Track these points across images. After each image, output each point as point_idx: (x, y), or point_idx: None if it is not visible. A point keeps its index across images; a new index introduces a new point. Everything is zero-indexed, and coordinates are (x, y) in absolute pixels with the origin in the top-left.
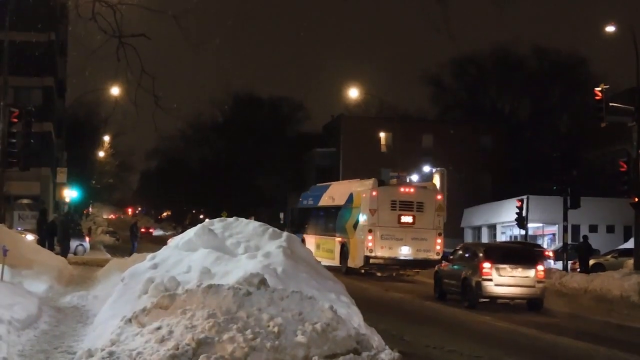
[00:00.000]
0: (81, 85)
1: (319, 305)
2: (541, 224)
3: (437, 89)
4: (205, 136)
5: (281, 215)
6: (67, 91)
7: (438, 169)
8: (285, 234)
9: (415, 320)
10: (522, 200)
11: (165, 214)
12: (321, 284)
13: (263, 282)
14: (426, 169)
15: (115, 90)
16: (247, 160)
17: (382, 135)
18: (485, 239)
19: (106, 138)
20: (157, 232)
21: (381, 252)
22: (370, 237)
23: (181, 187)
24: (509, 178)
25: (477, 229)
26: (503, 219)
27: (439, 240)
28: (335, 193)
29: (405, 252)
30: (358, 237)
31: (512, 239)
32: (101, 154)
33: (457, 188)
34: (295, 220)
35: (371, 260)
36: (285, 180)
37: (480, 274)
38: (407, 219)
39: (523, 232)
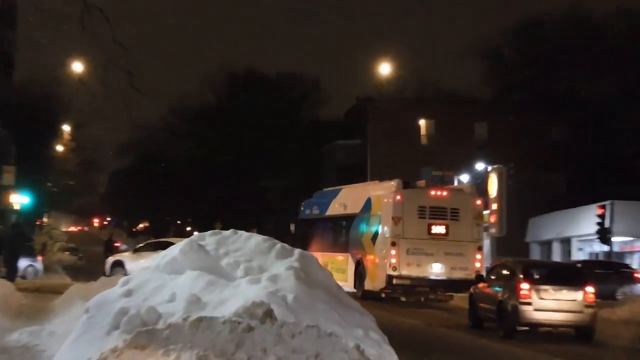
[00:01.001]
0: (34, 61)
1: (342, 344)
2: (630, 238)
3: (494, 64)
4: (193, 126)
5: (292, 227)
6: (15, 68)
7: (495, 167)
8: (297, 251)
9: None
10: (604, 208)
11: (141, 225)
12: (345, 316)
13: (269, 313)
14: (479, 167)
15: (78, 67)
16: (247, 157)
17: (421, 123)
18: (556, 256)
19: (66, 128)
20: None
21: (407, 270)
22: (393, 252)
23: (162, 192)
24: (588, 179)
25: (547, 245)
26: (580, 231)
27: (478, 256)
28: (347, 199)
29: (437, 270)
30: (378, 253)
31: (592, 257)
32: (60, 148)
33: (520, 192)
34: (297, 234)
35: (395, 281)
36: (296, 182)
37: (517, 297)
38: (439, 229)
39: (606, 248)
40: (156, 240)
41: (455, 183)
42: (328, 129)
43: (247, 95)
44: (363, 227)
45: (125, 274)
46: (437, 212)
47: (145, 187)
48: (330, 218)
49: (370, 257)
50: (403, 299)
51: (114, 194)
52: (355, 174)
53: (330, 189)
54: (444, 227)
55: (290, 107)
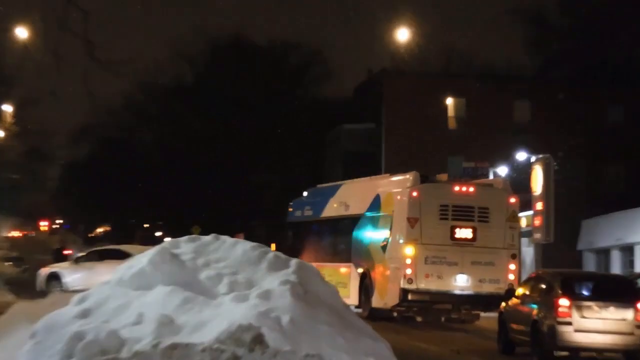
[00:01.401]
0: None
1: None
2: None
3: (538, 31)
4: (166, 107)
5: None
6: None
7: (540, 157)
8: (294, 261)
9: None
10: None
11: (100, 230)
12: (353, 342)
13: (259, 339)
14: (520, 156)
15: (22, 33)
16: (233, 146)
17: (449, 102)
18: (616, 267)
19: (8, 108)
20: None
21: (426, 283)
22: (409, 261)
23: (127, 188)
24: None
25: (604, 253)
26: None
27: (512, 266)
28: (350, 197)
29: (462, 283)
30: (390, 262)
31: None
32: (0, 133)
33: (571, 189)
34: (285, 240)
35: (411, 297)
36: (294, 176)
37: (555, 316)
38: (464, 233)
39: None
40: (102, 248)
41: (491, 176)
42: (333, 110)
43: (232, 69)
44: (370, 231)
45: (62, 289)
46: (463, 212)
47: (107, 182)
48: (327, 221)
49: (379, 267)
50: (419, 318)
51: (68, 190)
52: (367, 166)
53: (326, 185)
54: (470, 230)
55: (286, 83)
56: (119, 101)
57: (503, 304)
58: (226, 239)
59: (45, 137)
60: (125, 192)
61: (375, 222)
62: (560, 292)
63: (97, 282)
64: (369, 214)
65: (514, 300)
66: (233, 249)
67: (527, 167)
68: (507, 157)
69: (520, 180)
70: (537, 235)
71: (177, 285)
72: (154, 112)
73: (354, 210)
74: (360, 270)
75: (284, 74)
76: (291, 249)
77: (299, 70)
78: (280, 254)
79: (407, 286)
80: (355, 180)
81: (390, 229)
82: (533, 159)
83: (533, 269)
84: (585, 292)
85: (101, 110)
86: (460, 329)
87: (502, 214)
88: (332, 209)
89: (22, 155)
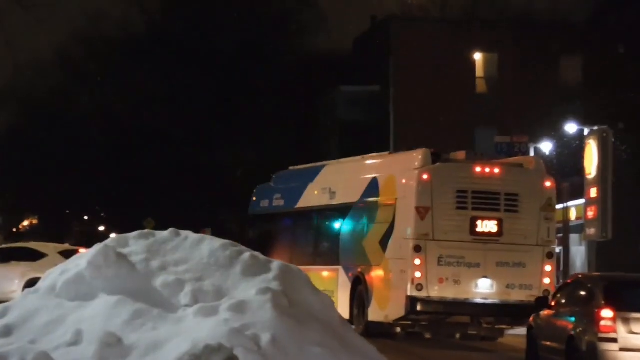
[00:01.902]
0: None
1: None
2: None
3: None
4: (111, 65)
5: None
6: None
7: (595, 129)
8: (276, 264)
9: None
10: None
11: (26, 223)
12: None
13: None
14: (570, 128)
15: None
16: (196, 115)
17: (476, 58)
18: None
19: None
20: None
21: (440, 290)
22: (418, 262)
23: (60, 169)
24: None
25: None
26: None
27: (548, 268)
28: (336, 181)
29: (485, 289)
30: (392, 264)
31: None
32: None
33: (634, 169)
34: (248, 237)
35: (420, 307)
36: (275, 154)
37: (596, 330)
38: (488, 226)
39: None
40: (7, 246)
41: (532, 153)
42: (327, 68)
43: (196, 14)
44: (365, 225)
45: None
46: (486, 200)
47: (34, 160)
48: (305, 212)
49: (378, 270)
50: (428, 335)
51: None
52: (370, 139)
53: (302, 167)
54: (495, 223)
55: (265, 33)
56: (50, 57)
57: (533, 316)
58: (188, 235)
59: None
60: (58, 173)
61: (372, 213)
62: (602, 301)
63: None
64: (363, 202)
65: (547, 312)
66: (197, 248)
67: (579, 142)
68: (551, 130)
69: (569, 160)
70: (591, 231)
71: (125, 294)
72: (94, 70)
73: (342, 198)
74: (353, 274)
75: (262, 21)
76: (254, 250)
77: (282, 17)
78: (258, 254)
79: (415, 294)
80: (342, 160)
81: (393, 222)
82: (586, 132)
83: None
84: (634, 302)
85: (26, 67)
86: (481, 349)
87: (535, 202)
88: (312, 197)
89: None
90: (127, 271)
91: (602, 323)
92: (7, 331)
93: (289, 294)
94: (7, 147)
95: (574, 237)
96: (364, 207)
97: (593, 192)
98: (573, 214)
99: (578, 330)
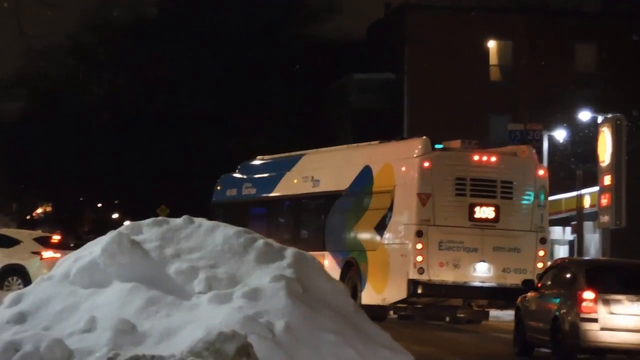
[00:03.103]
0: None
1: None
2: None
3: None
4: (122, 52)
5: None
6: None
7: (609, 116)
8: (290, 251)
9: None
10: None
11: (40, 210)
12: (366, 355)
13: (245, 351)
14: (583, 116)
15: None
16: (207, 102)
17: (490, 46)
18: None
19: None
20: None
21: (440, 273)
22: (419, 246)
23: (73, 156)
24: None
25: None
26: None
27: (541, 253)
28: (318, 170)
29: (482, 273)
30: (390, 249)
31: None
32: None
33: None
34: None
35: (421, 290)
36: (285, 141)
37: (578, 311)
38: (485, 212)
39: None
40: None
41: (545, 142)
42: (340, 55)
43: (208, 2)
44: (357, 211)
45: None
46: (483, 187)
47: (46, 148)
48: (282, 200)
49: (373, 255)
50: (419, 318)
51: None
52: (384, 127)
53: (274, 156)
54: (492, 209)
55: (277, 18)
56: (62, 43)
57: (520, 297)
58: (202, 223)
59: None
60: (71, 161)
61: (364, 200)
62: (584, 283)
63: None
64: (353, 190)
65: (533, 294)
66: (211, 235)
67: (592, 130)
68: (565, 118)
69: (582, 148)
70: (605, 218)
71: (139, 281)
72: (106, 57)
73: (327, 186)
74: (342, 259)
75: (275, 6)
76: None
77: (295, 2)
78: (272, 241)
79: (417, 277)
80: (323, 149)
81: (391, 208)
82: (600, 119)
83: None
84: (614, 284)
85: (36, 55)
86: (470, 330)
87: (529, 189)
88: (291, 185)
89: None
90: (140, 258)
91: (584, 304)
92: (21, 318)
93: (302, 281)
94: (19, 134)
95: (587, 225)
96: (354, 194)
97: (607, 180)
98: (587, 202)
99: (562, 311)
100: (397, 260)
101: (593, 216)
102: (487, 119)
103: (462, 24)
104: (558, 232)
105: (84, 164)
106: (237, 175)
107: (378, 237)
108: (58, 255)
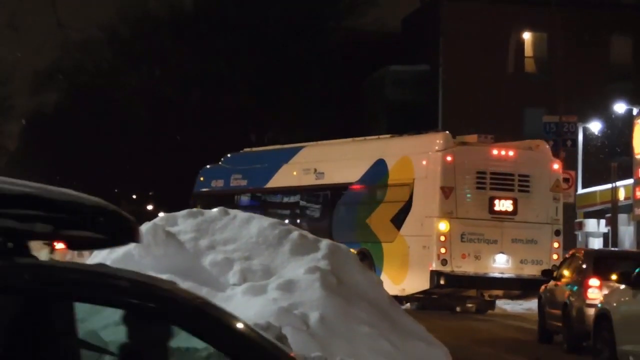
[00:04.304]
0: None
1: None
2: None
3: None
4: (158, 43)
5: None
6: None
7: None
8: (325, 243)
9: None
10: None
11: None
12: (400, 347)
13: (280, 342)
14: (619, 108)
15: None
16: (243, 94)
17: (525, 38)
18: None
19: None
20: None
21: (462, 264)
22: (443, 239)
23: (107, 147)
24: None
25: None
26: None
27: (555, 244)
28: (322, 162)
29: (501, 264)
30: (409, 240)
31: None
32: None
33: None
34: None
35: (444, 281)
36: (321, 132)
37: (584, 297)
38: (504, 205)
39: None
40: None
41: (580, 134)
42: (375, 47)
43: None
44: (370, 203)
45: None
46: (502, 181)
47: (81, 140)
48: (281, 191)
49: (390, 246)
50: (428, 308)
51: (30, 151)
52: (419, 118)
53: (265, 148)
54: (511, 202)
55: (312, 12)
56: (97, 36)
57: (542, 287)
58: (237, 214)
59: (0, 83)
60: (106, 153)
61: (377, 192)
62: (591, 272)
63: None
64: (365, 182)
65: (552, 283)
66: (246, 227)
67: (628, 122)
68: (601, 110)
69: (618, 140)
70: None
71: (173, 273)
72: (142, 50)
73: (334, 178)
74: (354, 250)
75: (309, 1)
76: None
77: None
78: (307, 233)
79: (440, 268)
80: (324, 142)
81: (410, 200)
82: (635, 111)
83: None
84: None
85: (74, 47)
86: (483, 319)
87: (544, 183)
88: (290, 177)
89: None
90: (175, 250)
91: (590, 291)
92: None
93: (337, 273)
94: (55, 126)
95: (622, 217)
96: (366, 186)
97: None
98: (622, 194)
99: (571, 298)
100: (418, 251)
101: (628, 209)
102: (521, 111)
103: (497, 16)
104: (592, 225)
105: (119, 155)
106: (223, 166)
107: (395, 229)
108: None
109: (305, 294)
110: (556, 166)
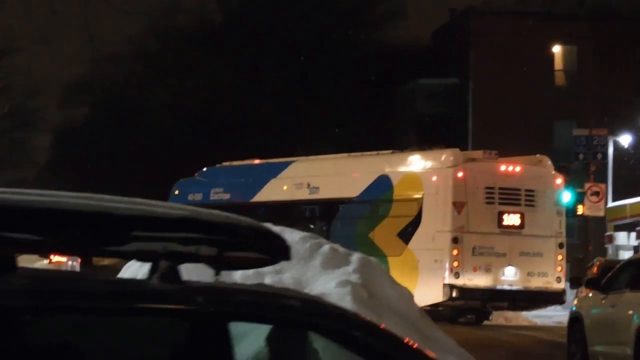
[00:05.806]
0: None
1: None
2: None
3: None
4: (187, 57)
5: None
6: None
7: None
8: (356, 256)
9: None
10: None
11: None
12: None
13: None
14: None
15: None
16: (274, 105)
17: (555, 51)
18: None
19: None
20: None
21: (473, 277)
22: (455, 252)
23: (138, 160)
24: None
25: None
26: None
27: (559, 257)
28: (316, 177)
29: (510, 277)
30: (418, 254)
31: None
32: None
33: None
34: None
35: (456, 293)
36: (350, 145)
37: None
38: (512, 219)
39: None
40: None
41: (610, 147)
42: (405, 60)
43: (272, 5)
44: (373, 217)
45: None
46: (509, 196)
47: (113, 152)
48: (270, 205)
49: (397, 260)
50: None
51: (62, 164)
52: (449, 131)
53: (246, 162)
54: (518, 216)
55: (342, 25)
56: (127, 49)
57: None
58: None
59: (31, 95)
60: (137, 164)
61: (380, 207)
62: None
63: None
64: (366, 197)
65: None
66: None
67: None
68: (631, 123)
69: None
70: None
71: None
72: (172, 64)
73: (330, 193)
74: None
75: (340, 10)
76: None
77: (360, 7)
78: (337, 246)
79: (453, 282)
80: (315, 157)
81: (419, 215)
82: None
83: None
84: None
85: (104, 61)
86: (514, 331)
87: (549, 197)
88: (280, 191)
89: (2, 118)
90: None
91: None
92: None
93: (368, 287)
94: (85, 139)
95: None
96: (368, 201)
97: None
98: None
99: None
100: (429, 265)
101: None
102: (551, 124)
103: (527, 29)
104: (623, 238)
105: (147, 168)
106: (200, 179)
107: (402, 243)
108: (64, 259)
109: None
110: (559, 181)
